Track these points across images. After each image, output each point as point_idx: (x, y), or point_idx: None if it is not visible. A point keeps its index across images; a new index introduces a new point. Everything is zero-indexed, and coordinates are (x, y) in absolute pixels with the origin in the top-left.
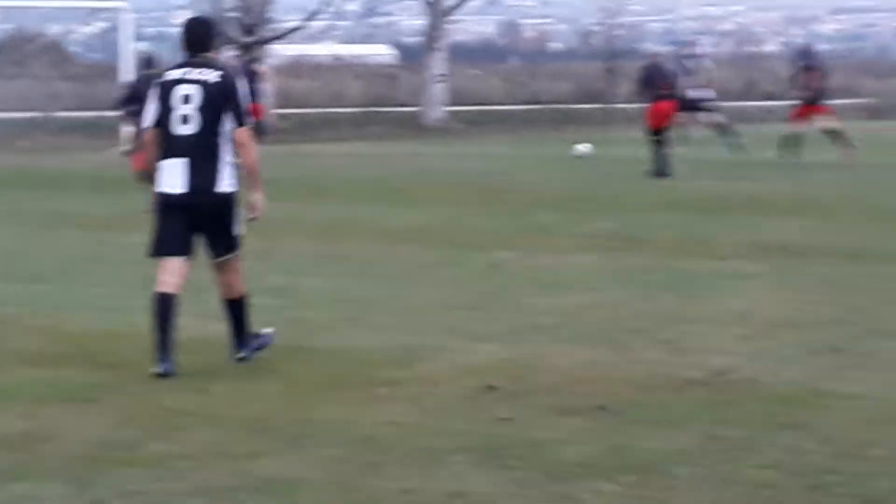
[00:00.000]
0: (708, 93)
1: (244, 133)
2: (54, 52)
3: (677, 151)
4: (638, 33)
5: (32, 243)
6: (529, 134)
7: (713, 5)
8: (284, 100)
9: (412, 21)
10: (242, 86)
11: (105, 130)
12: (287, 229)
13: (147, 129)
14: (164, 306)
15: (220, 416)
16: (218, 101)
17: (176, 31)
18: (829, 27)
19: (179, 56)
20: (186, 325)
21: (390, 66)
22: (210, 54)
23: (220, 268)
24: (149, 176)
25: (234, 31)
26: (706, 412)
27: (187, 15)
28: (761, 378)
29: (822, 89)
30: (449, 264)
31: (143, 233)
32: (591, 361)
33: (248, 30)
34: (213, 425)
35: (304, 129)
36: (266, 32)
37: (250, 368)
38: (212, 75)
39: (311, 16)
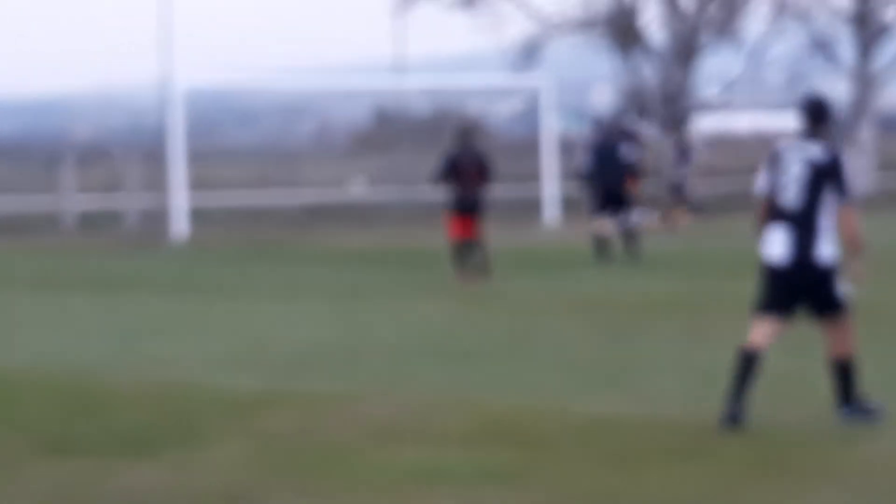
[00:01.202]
0: None
1: (846, 208)
2: (475, 129)
3: None
4: None
5: (461, 321)
6: None
7: None
8: (708, 174)
9: (834, 89)
10: (847, 163)
11: (528, 208)
12: (711, 307)
13: (759, 196)
14: (747, 360)
15: (644, 499)
16: (824, 176)
17: (592, 105)
18: None
19: (799, 130)
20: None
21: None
22: (823, 131)
23: (827, 325)
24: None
25: (653, 103)
26: None
27: (609, 89)
28: None
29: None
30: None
31: (566, 317)
32: None
33: (669, 101)
34: None
35: (725, 205)
36: (687, 103)
37: (673, 450)
38: (820, 152)
39: (731, 85)
